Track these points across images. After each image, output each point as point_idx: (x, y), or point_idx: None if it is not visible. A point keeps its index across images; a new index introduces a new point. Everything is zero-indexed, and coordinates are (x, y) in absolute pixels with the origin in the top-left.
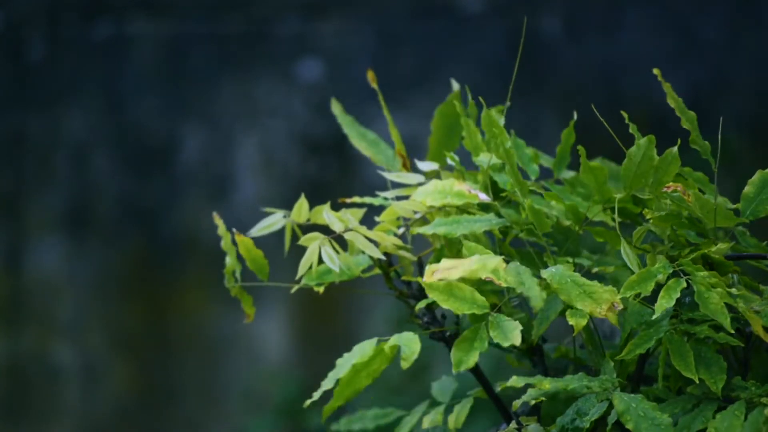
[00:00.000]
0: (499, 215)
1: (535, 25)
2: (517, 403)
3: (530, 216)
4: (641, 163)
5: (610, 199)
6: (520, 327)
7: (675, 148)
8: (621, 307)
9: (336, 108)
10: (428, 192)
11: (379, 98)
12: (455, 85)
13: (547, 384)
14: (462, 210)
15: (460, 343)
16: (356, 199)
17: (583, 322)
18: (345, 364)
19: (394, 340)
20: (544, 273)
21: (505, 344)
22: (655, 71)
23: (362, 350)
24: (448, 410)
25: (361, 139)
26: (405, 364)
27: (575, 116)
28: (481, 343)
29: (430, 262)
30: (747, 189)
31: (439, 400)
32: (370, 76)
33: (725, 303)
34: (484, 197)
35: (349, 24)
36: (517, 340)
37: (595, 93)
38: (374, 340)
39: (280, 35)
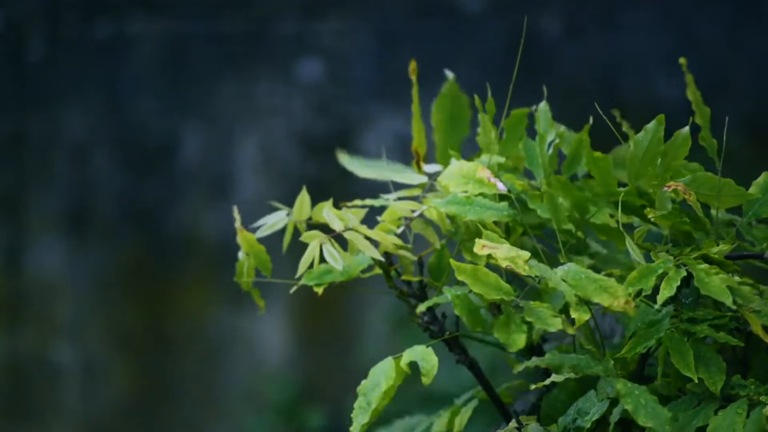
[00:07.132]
0: (512, 207)
1: (535, 24)
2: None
3: (548, 208)
4: (648, 149)
5: (614, 192)
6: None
7: (686, 129)
8: (634, 303)
9: (343, 158)
10: (453, 174)
11: (414, 90)
12: (449, 75)
13: (553, 357)
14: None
15: (501, 326)
16: (357, 202)
17: (586, 316)
18: (373, 391)
19: (409, 356)
20: (558, 271)
21: (548, 327)
22: (681, 60)
23: (385, 373)
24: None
25: (373, 169)
26: (426, 380)
27: (591, 120)
28: (519, 328)
29: (430, 262)
30: (751, 190)
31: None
32: (412, 67)
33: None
34: (501, 187)
35: (348, 24)
36: (557, 325)
37: (594, 93)
38: (390, 360)
39: (280, 35)
